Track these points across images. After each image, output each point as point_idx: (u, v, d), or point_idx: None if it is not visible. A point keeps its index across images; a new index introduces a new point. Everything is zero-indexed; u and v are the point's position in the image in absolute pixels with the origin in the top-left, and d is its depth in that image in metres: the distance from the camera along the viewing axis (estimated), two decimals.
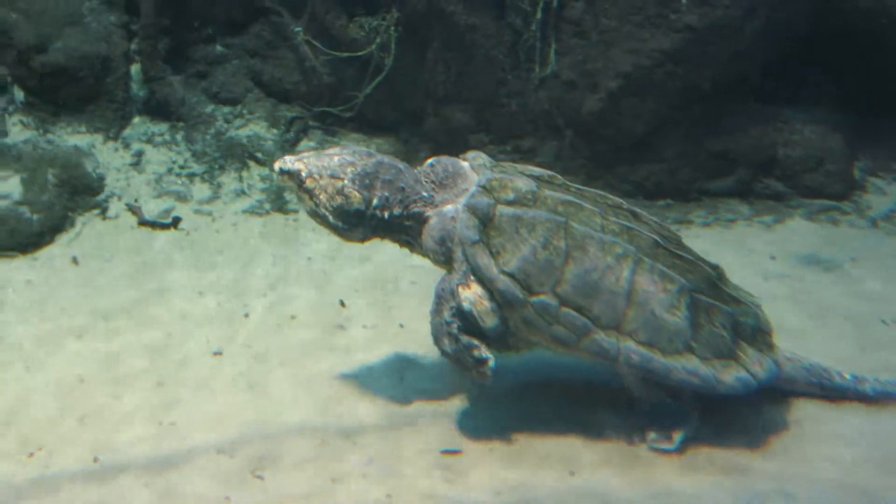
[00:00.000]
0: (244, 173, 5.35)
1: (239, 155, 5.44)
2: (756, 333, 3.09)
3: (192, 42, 5.84)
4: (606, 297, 2.93)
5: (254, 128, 5.60)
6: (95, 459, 3.12)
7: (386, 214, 3.09)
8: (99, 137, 5.50)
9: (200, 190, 5.24)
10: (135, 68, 5.82)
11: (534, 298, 2.93)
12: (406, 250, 3.31)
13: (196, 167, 5.37)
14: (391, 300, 4.15)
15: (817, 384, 3.21)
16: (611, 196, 3.25)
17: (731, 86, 4.96)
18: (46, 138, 5.50)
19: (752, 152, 5.07)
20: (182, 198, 5.18)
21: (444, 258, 3.10)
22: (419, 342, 3.57)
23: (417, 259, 3.34)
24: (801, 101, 5.21)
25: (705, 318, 2.98)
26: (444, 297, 3.06)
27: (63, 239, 4.85)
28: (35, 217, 4.83)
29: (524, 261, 2.94)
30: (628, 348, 2.91)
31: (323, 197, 3.04)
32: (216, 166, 5.37)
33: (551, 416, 3.23)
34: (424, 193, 3.13)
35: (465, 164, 3.22)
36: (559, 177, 3.28)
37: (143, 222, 4.98)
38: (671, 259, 3.04)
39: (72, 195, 5.09)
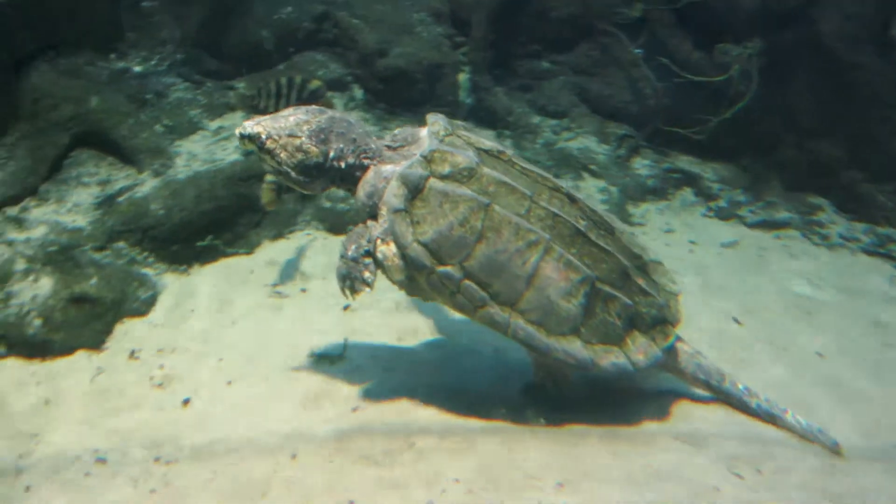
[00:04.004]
0: (580, 183, 5.60)
1: (573, 165, 5.69)
2: (656, 323, 3.34)
3: (517, 56, 6.16)
4: (509, 278, 3.16)
5: (584, 141, 5.83)
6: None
7: (342, 164, 3.29)
8: None
9: None
10: (462, 77, 6.18)
11: (440, 268, 3.16)
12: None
13: None
14: None
15: (704, 381, 3.44)
16: (554, 179, 3.40)
17: None
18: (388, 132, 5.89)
19: None
20: None
21: (370, 210, 3.30)
22: None
23: None
24: None
25: (601, 307, 3.24)
26: (363, 233, 3.27)
27: None
28: None
29: (439, 234, 3.15)
30: (517, 324, 3.17)
31: (284, 155, 3.23)
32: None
33: None
34: (372, 146, 3.33)
35: (424, 132, 3.39)
36: (508, 152, 3.41)
37: None
38: (588, 248, 3.26)
39: None
